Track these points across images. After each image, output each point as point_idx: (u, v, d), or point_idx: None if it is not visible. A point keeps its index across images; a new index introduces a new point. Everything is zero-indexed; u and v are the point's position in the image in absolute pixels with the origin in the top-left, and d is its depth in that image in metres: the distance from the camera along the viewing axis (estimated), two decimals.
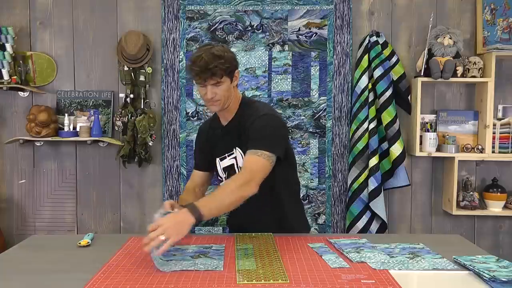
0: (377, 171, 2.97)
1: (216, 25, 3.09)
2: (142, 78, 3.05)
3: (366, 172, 3.00)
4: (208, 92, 1.80)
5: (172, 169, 3.13)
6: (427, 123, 3.09)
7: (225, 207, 1.69)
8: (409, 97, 3.07)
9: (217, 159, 1.98)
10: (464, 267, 1.54)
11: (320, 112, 3.11)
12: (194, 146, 2.16)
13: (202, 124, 2.20)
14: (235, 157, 1.93)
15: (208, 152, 2.03)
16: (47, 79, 3.11)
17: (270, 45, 3.09)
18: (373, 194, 2.96)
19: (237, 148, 1.91)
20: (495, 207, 3.04)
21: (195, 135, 3.06)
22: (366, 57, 3.01)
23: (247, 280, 1.39)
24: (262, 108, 1.92)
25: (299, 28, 3.09)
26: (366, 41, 3.03)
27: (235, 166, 1.93)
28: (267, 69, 3.09)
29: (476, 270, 1.47)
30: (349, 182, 3.07)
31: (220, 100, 1.83)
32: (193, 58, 1.77)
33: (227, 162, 1.95)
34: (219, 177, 2.04)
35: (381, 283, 1.39)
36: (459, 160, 2.99)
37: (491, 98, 2.94)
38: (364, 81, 3.00)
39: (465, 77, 2.98)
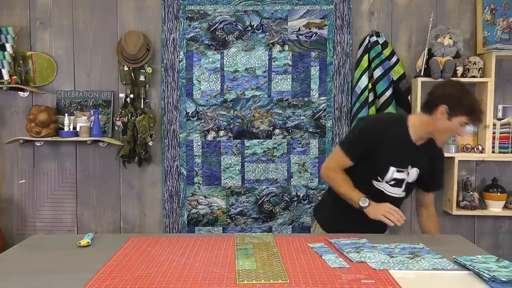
0: None
1: (216, 25, 3.09)
2: (142, 78, 3.05)
3: None
4: (465, 131, 1.98)
5: (172, 169, 3.13)
6: None
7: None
8: (409, 97, 3.07)
9: (393, 168, 2.03)
10: (464, 267, 1.54)
11: (320, 112, 3.11)
12: (353, 137, 2.11)
13: (375, 124, 2.12)
14: (408, 173, 2.06)
15: (372, 153, 2.02)
16: (47, 79, 3.11)
17: (270, 45, 3.09)
18: None
19: (415, 168, 2.07)
20: (495, 207, 3.03)
21: (196, 135, 3.09)
22: (366, 57, 3.01)
23: (247, 280, 1.39)
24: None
25: (299, 28, 3.09)
26: (366, 41, 3.03)
27: (404, 181, 2.07)
28: (267, 69, 3.09)
29: (476, 270, 1.47)
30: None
31: None
32: (473, 104, 1.92)
33: (401, 175, 2.05)
34: (378, 179, 2.06)
35: (381, 283, 1.39)
36: (459, 160, 2.99)
37: (491, 98, 2.94)
38: (364, 81, 3.00)
39: (465, 77, 2.98)
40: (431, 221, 2.21)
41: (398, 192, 2.08)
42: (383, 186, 2.07)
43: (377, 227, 2.06)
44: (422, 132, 2.02)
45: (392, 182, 2.05)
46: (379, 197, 2.03)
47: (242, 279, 1.40)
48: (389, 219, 1.91)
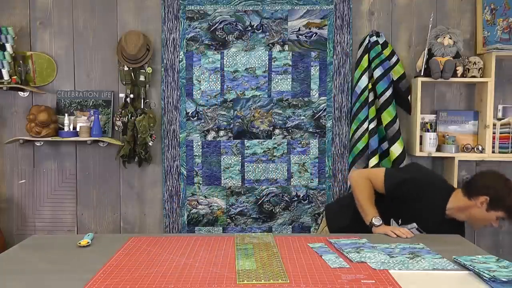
0: None
1: (216, 25, 3.09)
2: (142, 78, 3.05)
3: None
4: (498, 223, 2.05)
5: (172, 169, 3.13)
6: (427, 123, 3.09)
7: None
8: (409, 97, 3.07)
9: (415, 224, 2.09)
10: (464, 267, 1.54)
11: (320, 112, 3.11)
12: (401, 178, 2.10)
13: (423, 183, 2.10)
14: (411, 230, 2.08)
15: (405, 201, 2.06)
16: (47, 79, 3.11)
17: (270, 45, 3.09)
18: None
19: (421, 230, 2.10)
20: None
21: (196, 135, 3.09)
22: (366, 57, 3.01)
23: (247, 280, 1.39)
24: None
25: (299, 28, 3.09)
26: (366, 41, 3.03)
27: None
28: (267, 69, 3.09)
29: (476, 270, 1.47)
30: (349, 182, 3.07)
31: None
32: None
33: (418, 234, 2.09)
34: (398, 221, 2.12)
35: (381, 283, 1.39)
36: (459, 160, 2.98)
37: (491, 98, 2.94)
38: (364, 81, 3.00)
39: (465, 77, 2.98)
40: None
41: None
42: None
43: None
44: (458, 212, 2.05)
45: (398, 222, 2.09)
46: None
47: (242, 279, 1.40)
48: (395, 233, 1.96)
